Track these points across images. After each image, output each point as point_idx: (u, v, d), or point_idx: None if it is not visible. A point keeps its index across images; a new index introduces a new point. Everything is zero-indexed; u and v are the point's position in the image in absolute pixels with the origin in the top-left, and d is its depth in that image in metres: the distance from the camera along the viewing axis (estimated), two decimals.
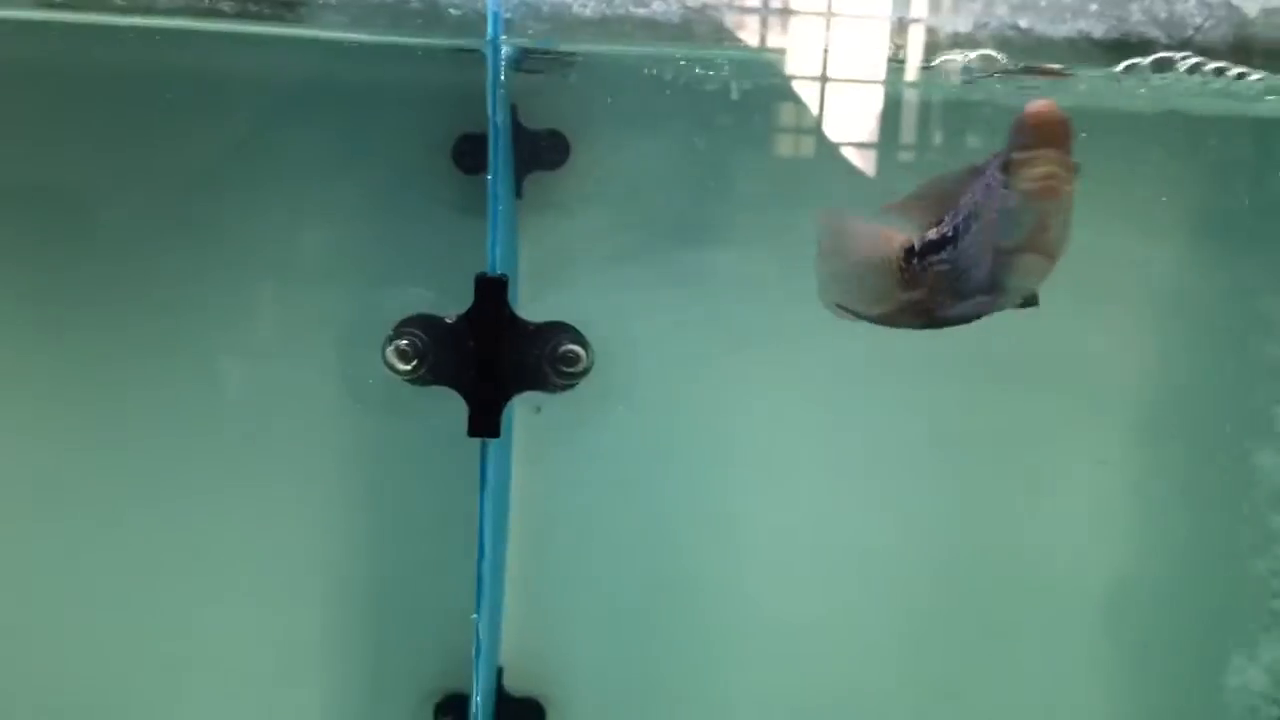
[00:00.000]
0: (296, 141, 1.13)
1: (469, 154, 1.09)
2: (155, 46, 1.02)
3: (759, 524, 1.16)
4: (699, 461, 1.14)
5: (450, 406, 0.88)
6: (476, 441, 0.86)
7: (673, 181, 1.12)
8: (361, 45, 0.99)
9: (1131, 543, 1.17)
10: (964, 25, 0.96)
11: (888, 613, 1.18)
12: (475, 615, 0.87)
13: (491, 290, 0.86)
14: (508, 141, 0.92)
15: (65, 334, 1.14)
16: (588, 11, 0.92)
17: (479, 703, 0.88)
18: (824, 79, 1.01)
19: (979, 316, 0.79)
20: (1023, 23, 0.95)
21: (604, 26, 0.94)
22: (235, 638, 1.18)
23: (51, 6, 0.96)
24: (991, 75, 0.95)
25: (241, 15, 0.92)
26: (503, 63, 0.89)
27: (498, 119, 0.87)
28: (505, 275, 0.87)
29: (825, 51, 0.96)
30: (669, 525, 1.14)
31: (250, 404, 1.15)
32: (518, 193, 1.09)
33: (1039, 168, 0.70)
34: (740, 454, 1.15)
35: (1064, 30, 0.95)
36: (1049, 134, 0.70)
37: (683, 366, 1.11)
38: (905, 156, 1.10)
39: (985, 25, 0.95)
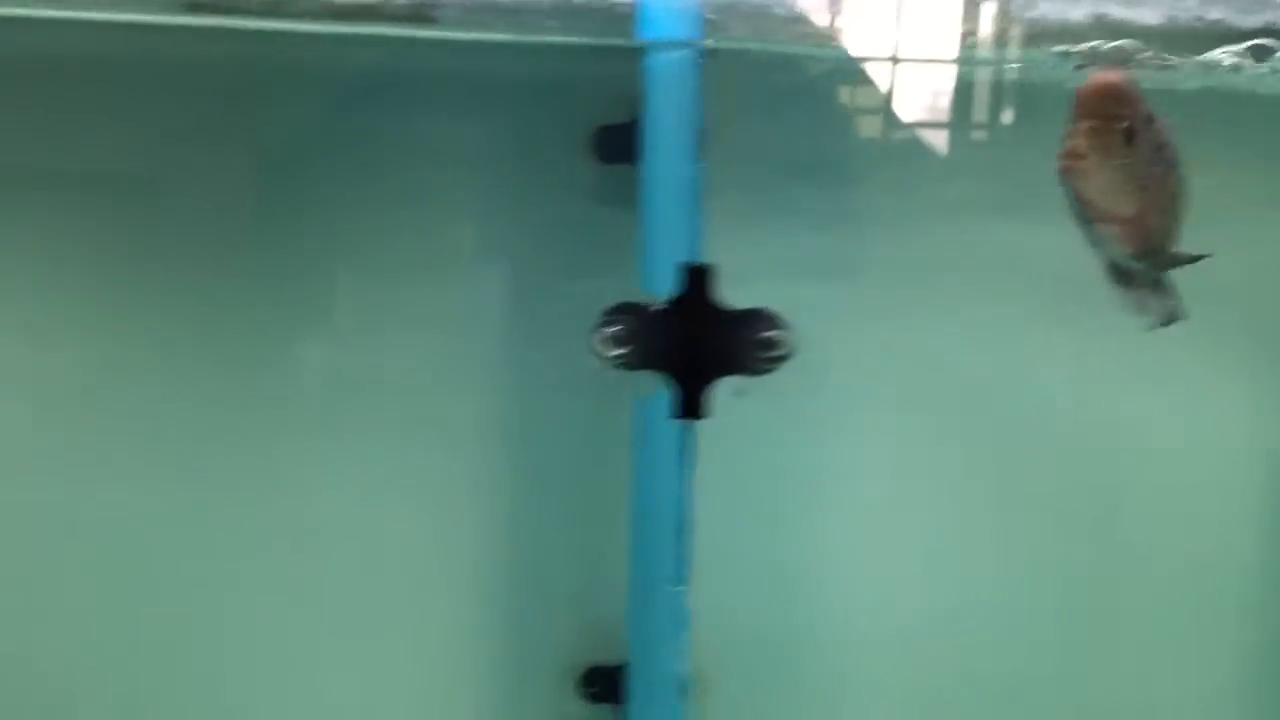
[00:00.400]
0: (440, 135, 1.17)
1: (608, 144, 1.11)
2: (292, 45, 1.07)
3: (899, 512, 1.17)
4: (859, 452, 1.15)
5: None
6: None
7: (812, 170, 1.14)
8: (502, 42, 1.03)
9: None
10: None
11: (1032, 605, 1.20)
12: (681, 588, 0.91)
13: (697, 278, 0.89)
14: (696, 133, 0.95)
15: (230, 320, 1.20)
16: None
17: (680, 674, 0.92)
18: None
19: None
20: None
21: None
22: (385, 613, 1.24)
23: (200, 9, 1.00)
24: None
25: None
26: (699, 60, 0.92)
27: (697, 112, 0.90)
28: (710, 264, 0.90)
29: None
30: (822, 511, 1.16)
31: (400, 388, 1.20)
32: None
33: (1065, 143, 0.72)
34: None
35: None
36: (1090, 106, 0.72)
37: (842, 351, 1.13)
38: None
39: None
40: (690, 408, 0.89)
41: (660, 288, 0.91)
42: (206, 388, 1.22)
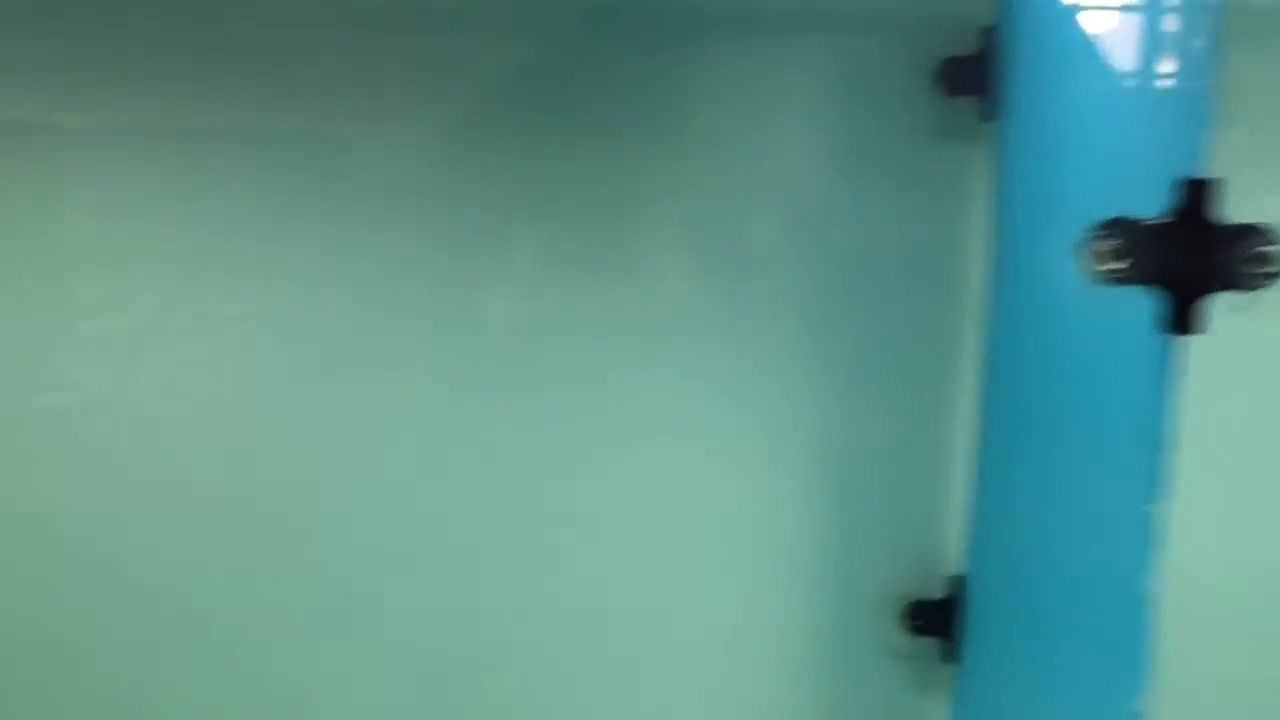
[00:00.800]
0: (774, 72, 1.18)
1: (955, 77, 1.12)
2: None
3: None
4: None
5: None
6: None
7: None
8: None
9: None
10: None
11: None
12: (1154, 506, 0.91)
13: (1198, 192, 0.88)
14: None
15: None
16: None
17: (1148, 592, 0.93)
18: None
19: None
20: None
21: None
22: (708, 546, 1.29)
23: None
24: None
25: None
26: None
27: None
28: (1210, 179, 0.89)
29: None
30: None
31: (726, 319, 1.22)
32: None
33: None
34: None
35: None
36: None
37: None
38: None
39: None
40: (1182, 322, 0.89)
41: (1145, 204, 0.91)
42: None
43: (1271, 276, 0.90)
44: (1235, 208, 0.91)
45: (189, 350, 1.37)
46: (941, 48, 1.37)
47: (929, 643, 1.27)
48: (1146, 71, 0.93)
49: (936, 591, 1.27)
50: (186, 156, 1.31)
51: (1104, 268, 0.88)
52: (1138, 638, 0.98)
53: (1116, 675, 1.00)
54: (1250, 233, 0.90)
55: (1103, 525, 0.99)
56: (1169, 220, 0.89)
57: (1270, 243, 0.90)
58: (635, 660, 1.31)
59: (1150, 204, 0.90)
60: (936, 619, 1.26)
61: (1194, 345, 0.92)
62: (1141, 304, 0.91)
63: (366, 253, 1.34)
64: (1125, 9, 0.92)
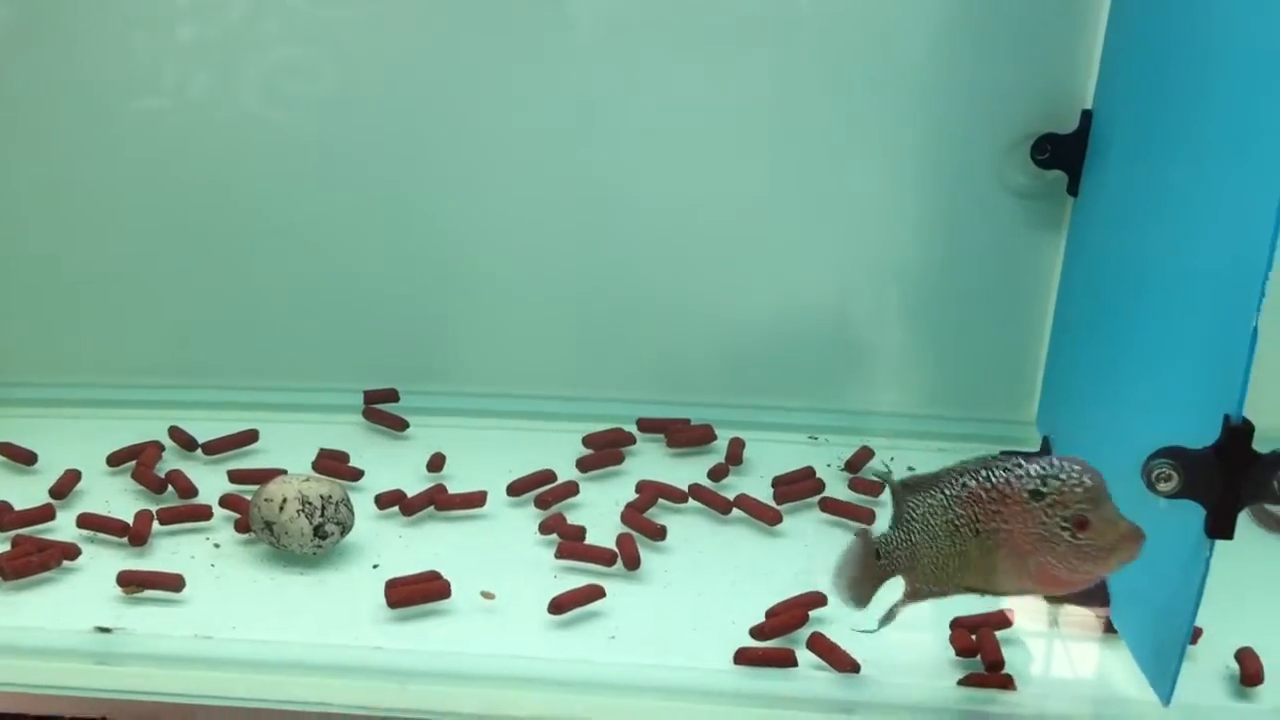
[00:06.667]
0: None
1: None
2: None
3: None
4: None
5: None
6: None
7: None
8: None
9: None
10: None
11: None
12: None
13: (1239, 435, 1.10)
14: None
15: None
16: None
17: None
18: None
19: None
20: None
21: None
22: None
23: None
24: None
25: None
26: None
27: None
28: (1251, 424, 1.10)
29: None
30: None
31: None
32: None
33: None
34: None
35: None
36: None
37: None
38: None
39: None
40: (1222, 529, 1.14)
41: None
42: None
43: None
44: None
45: (283, 53, 1.67)
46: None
47: (1054, 178, 1.62)
48: None
49: (1067, 127, 1.58)
50: None
51: (1161, 488, 1.14)
52: None
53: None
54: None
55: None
56: (1210, 451, 1.11)
57: None
58: (776, 187, 1.68)
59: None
60: (1064, 151, 1.60)
61: None
62: None
63: None
64: None
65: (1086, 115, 1.57)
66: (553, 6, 1.60)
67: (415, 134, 1.66)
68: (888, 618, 1.21)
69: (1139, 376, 1.35)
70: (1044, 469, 1.14)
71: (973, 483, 1.16)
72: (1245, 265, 1.10)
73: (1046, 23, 1.56)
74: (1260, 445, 1.10)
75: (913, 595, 1.21)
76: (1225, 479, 1.12)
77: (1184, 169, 1.29)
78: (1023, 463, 1.15)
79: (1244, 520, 1.16)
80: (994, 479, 1.15)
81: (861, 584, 1.22)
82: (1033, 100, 1.58)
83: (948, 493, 1.17)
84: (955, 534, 1.17)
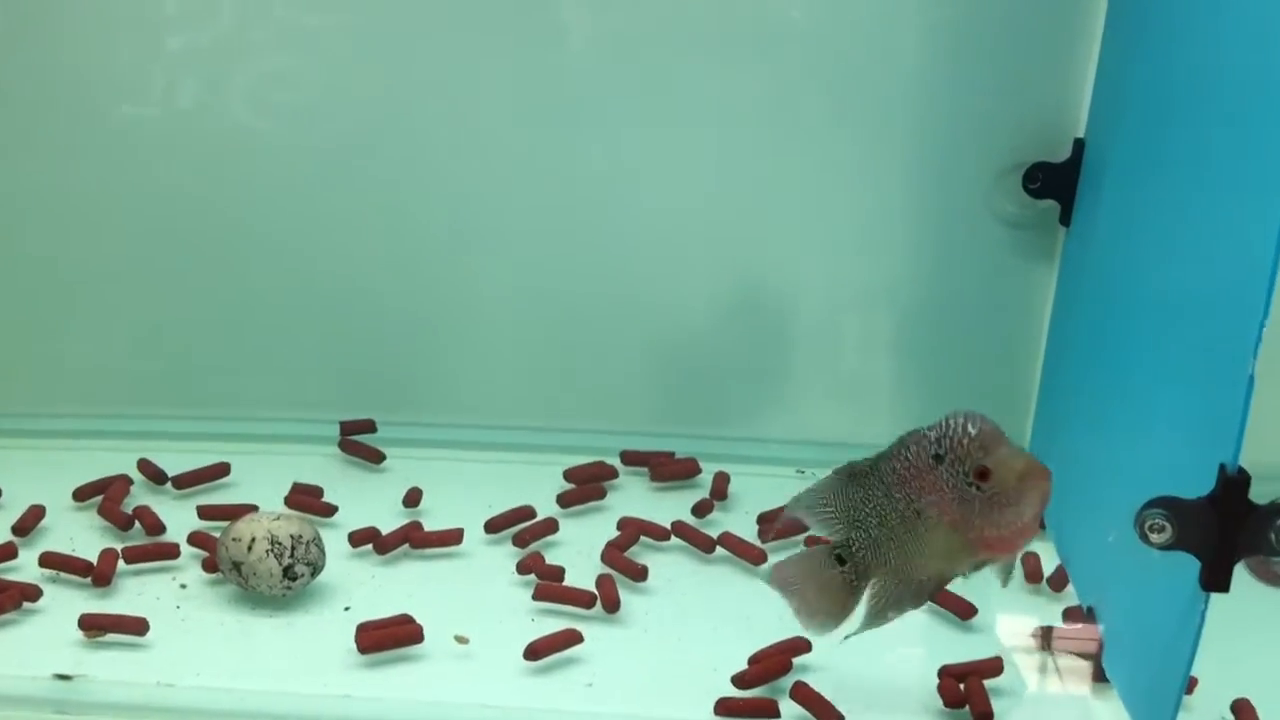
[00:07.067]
0: None
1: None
2: None
3: None
4: None
5: None
6: None
7: None
8: None
9: None
10: None
11: None
12: None
13: (1235, 486, 1.06)
14: None
15: None
16: None
17: None
18: None
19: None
20: None
21: None
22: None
23: None
24: None
25: None
26: None
27: None
28: (1248, 475, 1.06)
29: None
30: None
31: None
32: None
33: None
34: None
35: None
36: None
37: None
38: None
39: None
40: (1217, 582, 1.09)
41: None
42: None
43: None
44: None
45: (271, 62, 1.63)
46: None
47: (1046, 208, 1.59)
48: None
49: (1059, 156, 1.55)
50: None
51: (1154, 539, 1.10)
52: None
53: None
54: (1275, 511, 1.07)
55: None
56: (1205, 502, 1.08)
57: None
58: (764, 212, 1.64)
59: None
60: (1056, 180, 1.57)
61: None
62: None
63: None
64: None
65: (1079, 144, 1.53)
66: (544, 23, 1.56)
67: (394, 163, 1.62)
68: (874, 620, 1.16)
69: (1133, 414, 1.31)
70: (939, 431, 1.10)
71: (899, 464, 1.12)
72: (1241, 308, 1.07)
73: (1038, 51, 1.53)
74: (1256, 476, 1.06)
75: (883, 601, 1.16)
76: (1221, 531, 1.08)
77: (1178, 202, 1.26)
78: (925, 431, 1.11)
79: (1240, 570, 1.11)
80: (909, 455, 1.12)
81: (828, 600, 1.17)
82: (1024, 129, 1.55)
83: (887, 480, 1.13)
84: (904, 521, 1.13)
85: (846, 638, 1.17)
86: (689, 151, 1.60)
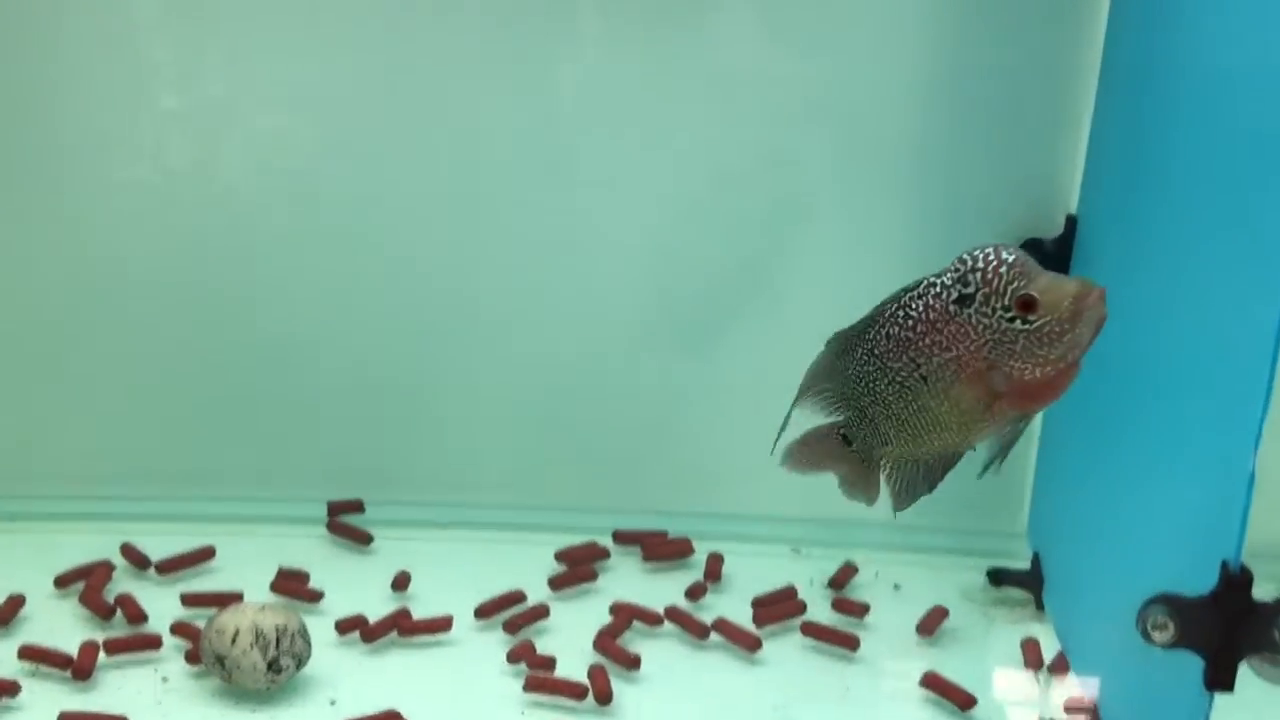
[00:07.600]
0: None
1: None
2: None
3: None
4: None
5: None
6: None
7: None
8: None
9: None
10: None
11: None
12: None
13: (1237, 584, 1.04)
14: None
15: None
16: None
17: None
18: None
19: None
20: None
21: None
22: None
23: None
24: None
25: None
26: None
27: None
28: (1250, 572, 1.03)
29: None
30: None
31: None
32: None
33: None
34: None
35: None
36: None
37: None
38: None
39: None
40: (1221, 682, 1.06)
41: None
42: None
43: None
44: None
45: (264, 121, 1.60)
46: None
47: None
48: None
49: (1052, 232, 1.53)
50: None
51: (1157, 638, 1.08)
52: None
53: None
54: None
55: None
56: (1209, 600, 1.05)
57: None
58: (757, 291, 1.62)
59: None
60: (1048, 257, 1.54)
61: None
62: None
63: (437, 19, 1.48)
64: None
65: (1071, 221, 1.52)
66: (542, 95, 1.55)
67: (380, 242, 1.61)
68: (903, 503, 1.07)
69: (1132, 499, 1.29)
70: (956, 270, 0.97)
71: (895, 329, 1.00)
72: (1241, 398, 1.05)
73: (1029, 128, 1.52)
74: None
75: (898, 486, 1.06)
76: (1224, 629, 1.05)
77: (1174, 284, 1.24)
78: (932, 279, 0.99)
79: (1246, 667, 1.09)
80: (913, 313, 0.99)
81: (852, 479, 1.08)
82: (1015, 204, 1.53)
83: (878, 351, 1.01)
84: (904, 393, 1.01)
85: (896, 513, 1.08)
86: (672, 242, 1.58)
